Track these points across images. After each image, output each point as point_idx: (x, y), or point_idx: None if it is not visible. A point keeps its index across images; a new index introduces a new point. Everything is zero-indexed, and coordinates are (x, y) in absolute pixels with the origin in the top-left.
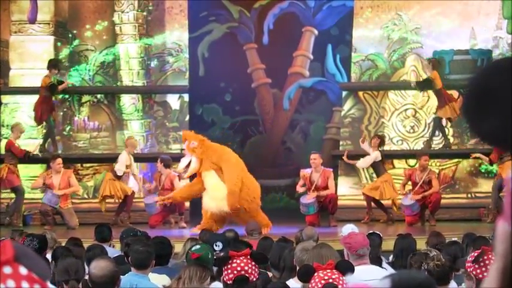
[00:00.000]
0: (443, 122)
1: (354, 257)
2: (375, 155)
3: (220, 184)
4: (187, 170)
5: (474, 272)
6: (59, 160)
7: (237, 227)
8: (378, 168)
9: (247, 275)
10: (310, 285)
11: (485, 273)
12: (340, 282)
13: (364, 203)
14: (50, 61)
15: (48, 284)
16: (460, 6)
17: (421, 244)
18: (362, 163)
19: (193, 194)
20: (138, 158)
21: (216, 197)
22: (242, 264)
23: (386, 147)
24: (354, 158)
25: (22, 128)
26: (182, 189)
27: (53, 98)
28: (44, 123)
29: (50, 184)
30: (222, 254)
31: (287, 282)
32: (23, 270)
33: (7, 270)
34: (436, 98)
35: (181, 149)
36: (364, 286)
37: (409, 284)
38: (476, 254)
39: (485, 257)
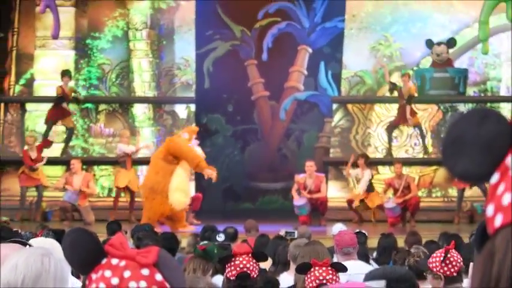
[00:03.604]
0: (424, 131)
1: (341, 253)
2: (367, 176)
3: None
4: None
5: (442, 271)
6: (72, 161)
7: (236, 225)
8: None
9: (248, 271)
10: (306, 280)
11: (452, 270)
12: (334, 279)
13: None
14: (62, 72)
15: None
16: (439, 29)
17: (401, 242)
18: (363, 186)
19: None
20: (148, 162)
21: None
22: (244, 262)
23: (371, 155)
24: (343, 164)
25: (29, 140)
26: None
27: (67, 106)
28: (47, 126)
29: (70, 184)
30: (224, 243)
31: (281, 275)
32: (158, 277)
33: (144, 272)
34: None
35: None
36: (361, 285)
37: (391, 278)
38: (443, 255)
39: (450, 255)
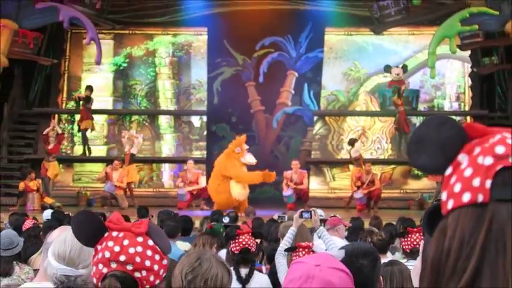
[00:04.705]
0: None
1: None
2: (358, 146)
3: None
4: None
5: (402, 244)
6: (115, 162)
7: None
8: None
9: (249, 247)
10: (292, 257)
11: (408, 246)
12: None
13: (328, 195)
14: (86, 86)
15: (168, 256)
16: (398, 59)
17: (366, 224)
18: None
19: None
20: (170, 160)
21: None
22: (246, 240)
23: (344, 156)
24: (322, 163)
25: (49, 133)
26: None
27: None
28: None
29: (110, 177)
30: (230, 224)
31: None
32: (150, 242)
33: (139, 239)
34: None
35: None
36: (325, 254)
37: (358, 252)
38: (402, 231)
39: (410, 236)
